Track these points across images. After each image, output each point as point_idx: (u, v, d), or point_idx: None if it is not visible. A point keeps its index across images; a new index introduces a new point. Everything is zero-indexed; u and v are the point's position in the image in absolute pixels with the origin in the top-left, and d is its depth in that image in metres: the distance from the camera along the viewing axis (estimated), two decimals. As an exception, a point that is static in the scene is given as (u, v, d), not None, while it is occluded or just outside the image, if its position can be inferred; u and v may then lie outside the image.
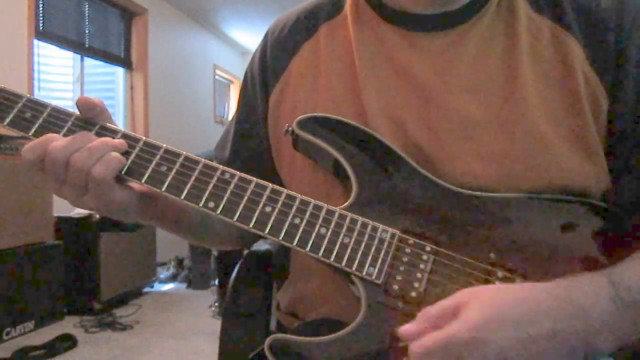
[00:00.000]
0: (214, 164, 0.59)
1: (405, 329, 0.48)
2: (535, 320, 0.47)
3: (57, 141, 0.56)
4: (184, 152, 0.59)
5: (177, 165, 0.58)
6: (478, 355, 0.45)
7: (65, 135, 0.58)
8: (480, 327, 0.46)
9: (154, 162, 0.58)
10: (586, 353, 0.48)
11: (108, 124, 0.60)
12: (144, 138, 0.60)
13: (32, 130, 0.59)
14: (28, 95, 0.61)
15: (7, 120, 0.59)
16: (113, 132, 0.60)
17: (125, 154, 0.58)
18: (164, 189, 0.58)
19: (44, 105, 0.60)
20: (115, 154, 0.57)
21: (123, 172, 0.58)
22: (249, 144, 0.77)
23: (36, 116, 0.59)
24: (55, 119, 0.59)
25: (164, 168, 0.58)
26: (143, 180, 0.58)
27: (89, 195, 0.57)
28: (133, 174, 0.58)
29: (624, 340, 0.49)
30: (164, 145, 0.60)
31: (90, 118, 0.60)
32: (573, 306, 0.48)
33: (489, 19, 0.64)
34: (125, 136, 0.60)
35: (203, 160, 0.59)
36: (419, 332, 0.47)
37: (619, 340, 0.49)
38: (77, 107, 0.60)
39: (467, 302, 0.48)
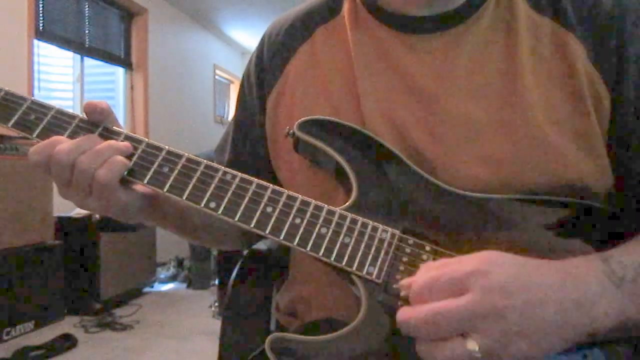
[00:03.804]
0: (216, 164, 0.60)
1: (405, 279, 0.50)
2: (540, 278, 0.47)
3: (63, 144, 0.57)
4: (186, 153, 0.60)
5: (179, 166, 0.59)
6: (481, 283, 0.45)
7: (69, 137, 0.59)
8: (485, 262, 0.47)
9: (156, 164, 0.59)
10: (588, 334, 0.48)
11: (112, 126, 0.61)
12: (147, 140, 0.60)
13: (36, 132, 0.60)
14: (32, 97, 0.61)
15: (12, 121, 0.60)
16: (117, 134, 0.60)
17: (128, 155, 0.59)
18: (165, 189, 0.58)
19: (48, 108, 0.61)
20: (120, 158, 0.57)
21: (126, 173, 0.58)
22: (248, 147, 0.78)
23: (40, 118, 0.60)
24: (59, 121, 0.60)
25: (166, 169, 0.59)
26: (145, 181, 0.59)
27: (93, 197, 0.58)
28: (135, 175, 0.59)
29: (625, 316, 0.49)
30: (167, 147, 0.60)
31: (96, 121, 0.61)
32: (573, 280, 0.48)
33: (488, 19, 0.64)
34: (127, 138, 0.60)
35: (205, 161, 0.60)
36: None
37: (619, 314, 0.49)
38: (84, 110, 0.60)
39: (469, 256, 0.49)
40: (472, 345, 0.44)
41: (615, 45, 0.60)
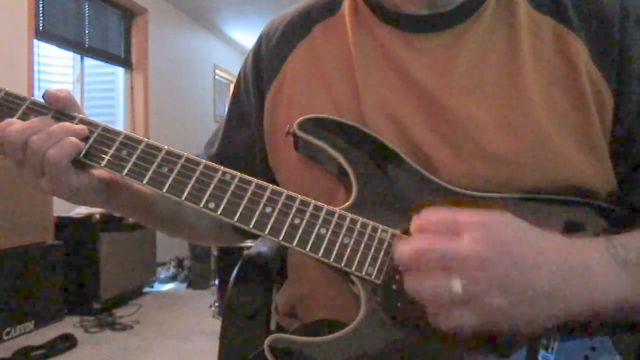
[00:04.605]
0: (215, 165, 0.59)
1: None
2: (541, 243, 0.48)
3: (16, 124, 0.58)
4: (185, 154, 0.60)
5: (178, 166, 0.59)
6: (478, 232, 0.46)
7: (20, 119, 0.60)
8: (490, 219, 0.47)
9: (155, 164, 0.59)
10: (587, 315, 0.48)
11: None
12: (146, 140, 0.60)
13: None
14: None
15: None
16: (71, 118, 0.61)
17: (128, 155, 0.59)
18: (164, 190, 0.58)
19: None
20: (72, 139, 0.58)
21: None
22: (237, 144, 0.78)
23: None
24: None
25: (165, 169, 0.59)
26: (145, 182, 0.59)
27: (45, 177, 0.59)
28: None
29: (625, 301, 0.49)
30: (165, 147, 0.60)
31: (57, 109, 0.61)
32: (576, 252, 0.49)
33: (488, 19, 0.64)
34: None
35: (204, 161, 0.59)
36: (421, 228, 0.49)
37: (619, 295, 0.49)
38: (44, 99, 0.61)
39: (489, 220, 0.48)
40: (454, 284, 0.45)
41: (617, 44, 0.60)
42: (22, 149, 0.57)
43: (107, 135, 0.60)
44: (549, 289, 0.46)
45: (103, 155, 0.59)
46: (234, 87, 0.81)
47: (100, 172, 0.62)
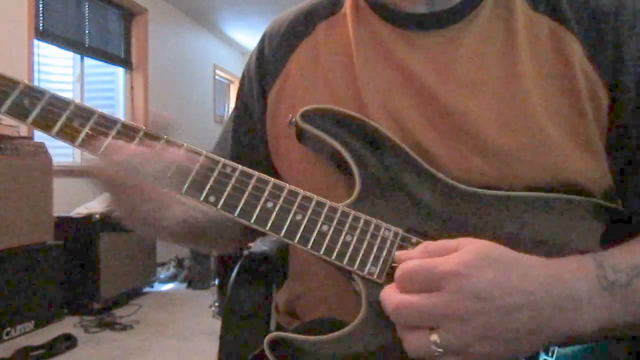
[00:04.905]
0: (215, 156, 0.58)
1: (402, 252, 0.53)
2: (523, 282, 0.48)
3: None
4: (185, 144, 0.58)
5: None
6: (454, 286, 0.46)
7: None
8: (467, 265, 0.47)
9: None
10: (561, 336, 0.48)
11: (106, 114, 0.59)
12: (144, 128, 0.58)
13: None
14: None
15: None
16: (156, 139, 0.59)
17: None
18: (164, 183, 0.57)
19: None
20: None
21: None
22: (247, 145, 0.78)
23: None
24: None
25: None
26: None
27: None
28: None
29: (609, 324, 0.50)
30: (164, 137, 0.58)
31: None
32: (561, 284, 0.49)
33: (486, 17, 0.64)
34: (124, 125, 0.58)
35: (204, 152, 0.58)
36: (411, 258, 0.50)
37: (605, 320, 0.49)
38: (153, 124, 0.60)
39: (467, 244, 0.49)
40: (434, 338, 0.46)
41: (612, 42, 0.60)
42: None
43: (102, 123, 0.58)
44: (532, 327, 0.47)
45: (99, 145, 0.57)
46: (238, 87, 0.81)
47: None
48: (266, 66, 0.74)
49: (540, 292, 0.48)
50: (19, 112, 0.58)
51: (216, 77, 6.21)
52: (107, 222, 3.29)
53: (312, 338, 0.53)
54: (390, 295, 0.50)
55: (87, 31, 4.07)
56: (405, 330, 0.49)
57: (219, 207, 0.56)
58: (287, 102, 0.71)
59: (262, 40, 0.77)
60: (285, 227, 0.56)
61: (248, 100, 0.77)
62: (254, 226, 0.56)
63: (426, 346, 0.47)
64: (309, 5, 0.75)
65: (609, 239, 0.56)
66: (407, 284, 0.49)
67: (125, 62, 4.55)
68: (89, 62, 4.19)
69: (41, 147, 2.95)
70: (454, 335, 0.46)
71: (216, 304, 3.34)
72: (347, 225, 0.56)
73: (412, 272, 0.49)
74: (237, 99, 0.81)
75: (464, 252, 0.48)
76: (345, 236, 0.55)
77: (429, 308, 0.47)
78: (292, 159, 0.69)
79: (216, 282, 3.46)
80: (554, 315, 0.48)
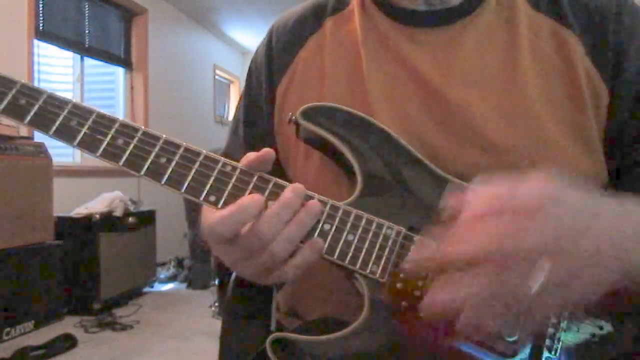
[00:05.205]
0: (215, 155, 0.57)
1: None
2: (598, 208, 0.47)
3: (265, 212, 0.52)
4: (184, 143, 0.57)
5: (177, 157, 0.56)
6: (550, 208, 0.44)
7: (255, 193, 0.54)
8: (548, 188, 0.45)
9: (153, 153, 0.56)
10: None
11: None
12: (142, 127, 0.57)
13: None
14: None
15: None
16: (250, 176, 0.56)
17: (124, 144, 0.55)
18: (163, 182, 0.55)
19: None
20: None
21: (121, 163, 0.55)
22: (257, 135, 0.77)
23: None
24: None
25: (163, 160, 0.55)
26: (142, 173, 0.55)
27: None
28: (132, 166, 0.55)
29: None
30: (163, 136, 0.57)
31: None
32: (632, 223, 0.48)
33: (489, 16, 0.66)
34: (122, 125, 0.56)
35: (204, 151, 0.57)
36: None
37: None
38: (253, 163, 0.55)
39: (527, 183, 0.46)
40: (547, 264, 0.42)
41: (613, 41, 0.62)
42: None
43: (100, 122, 0.56)
44: (612, 254, 0.45)
45: (97, 144, 0.55)
46: (245, 84, 0.80)
47: None
48: (275, 60, 0.75)
49: (615, 222, 0.47)
50: (16, 112, 0.56)
51: (216, 77, 6.21)
52: (107, 222, 3.30)
53: (314, 338, 0.53)
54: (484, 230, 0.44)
55: (87, 31, 4.07)
56: (506, 266, 0.42)
57: (219, 206, 0.55)
58: (295, 97, 0.71)
59: (269, 36, 0.77)
60: None
61: (256, 95, 0.77)
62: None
63: (529, 282, 0.42)
64: (316, 2, 0.76)
65: None
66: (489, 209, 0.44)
67: (125, 62, 4.55)
68: (89, 62, 4.19)
69: (41, 147, 2.95)
70: (554, 269, 0.42)
71: (216, 304, 3.34)
72: (349, 224, 0.55)
73: (493, 199, 0.45)
74: (244, 96, 0.80)
75: (534, 188, 0.46)
76: (347, 235, 0.55)
77: (538, 233, 0.43)
78: (298, 158, 0.69)
79: (216, 282, 3.46)
80: (630, 244, 0.46)
